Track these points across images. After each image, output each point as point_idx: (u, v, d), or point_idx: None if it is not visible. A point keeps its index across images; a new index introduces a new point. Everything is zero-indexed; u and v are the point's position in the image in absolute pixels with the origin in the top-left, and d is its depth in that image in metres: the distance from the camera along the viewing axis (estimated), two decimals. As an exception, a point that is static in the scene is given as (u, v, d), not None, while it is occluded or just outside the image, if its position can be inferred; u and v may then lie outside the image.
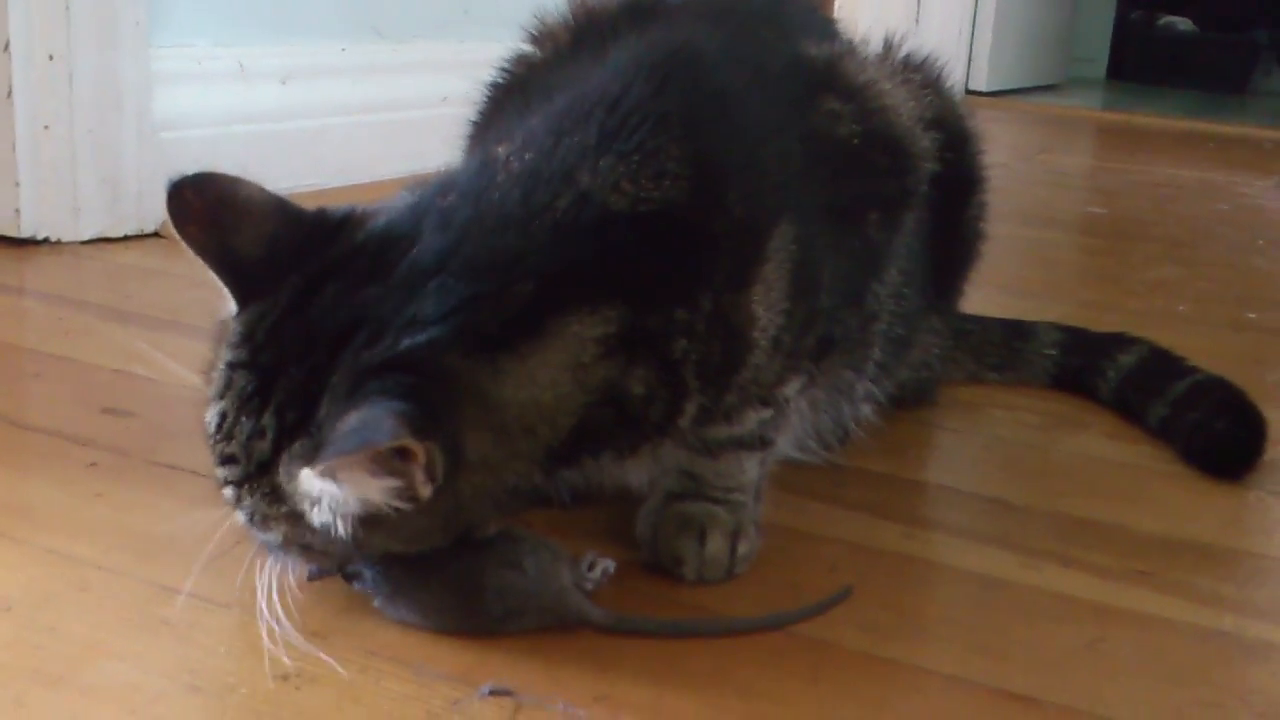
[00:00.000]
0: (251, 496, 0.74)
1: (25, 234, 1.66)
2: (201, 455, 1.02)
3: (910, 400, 1.22)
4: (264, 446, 0.73)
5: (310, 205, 0.80)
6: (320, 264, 0.75)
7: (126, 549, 0.88)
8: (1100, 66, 5.79)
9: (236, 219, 0.77)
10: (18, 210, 1.65)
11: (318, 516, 0.72)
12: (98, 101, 1.68)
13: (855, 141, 0.93)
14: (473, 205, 0.77)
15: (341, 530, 0.72)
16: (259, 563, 0.79)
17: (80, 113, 1.67)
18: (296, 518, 0.74)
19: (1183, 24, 5.71)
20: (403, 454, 0.68)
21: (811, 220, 0.86)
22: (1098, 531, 1.02)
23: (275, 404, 0.73)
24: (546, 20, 1.03)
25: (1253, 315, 1.74)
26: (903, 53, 1.13)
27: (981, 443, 1.21)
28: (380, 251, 0.76)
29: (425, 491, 0.70)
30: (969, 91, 4.30)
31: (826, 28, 1.11)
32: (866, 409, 1.08)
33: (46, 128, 1.65)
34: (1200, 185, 2.97)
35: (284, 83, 2.00)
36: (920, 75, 1.07)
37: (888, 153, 0.97)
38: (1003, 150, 3.00)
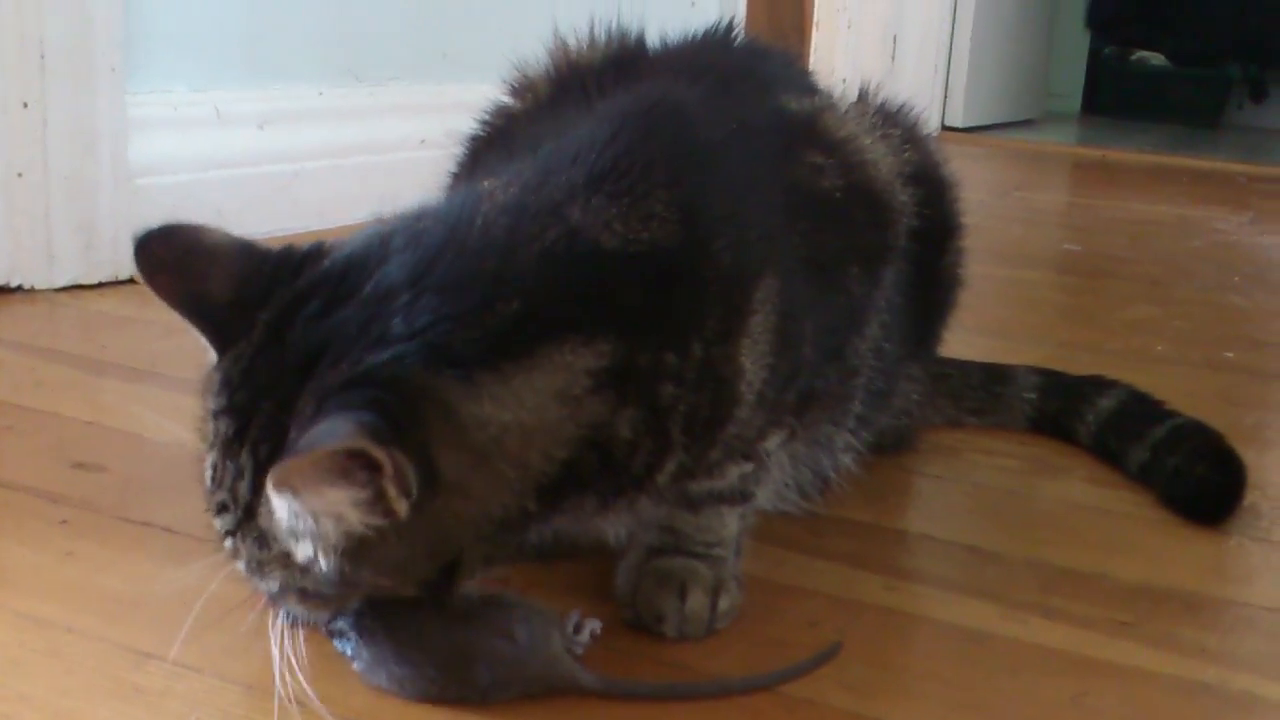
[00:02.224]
0: (245, 543, 0.74)
1: (-1, 282, 1.65)
2: (174, 511, 1.02)
3: (890, 447, 1.22)
4: (244, 487, 0.72)
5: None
6: (289, 297, 0.74)
7: (98, 611, 0.87)
8: (1074, 102, 5.85)
9: (205, 266, 0.76)
10: (-9, 258, 1.64)
11: (301, 552, 0.71)
12: (72, 148, 1.67)
13: (837, 195, 0.93)
14: (449, 229, 0.76)
15: (324, 565, 0.71)
16: (274, 635, 0.78)
17: (55, 159, 1.66)
18: (287, 559, 0.72)
19: (1156, 59, 5.77)
20: (368, 464, 0.66)
21: (795, 273, 0.85)
22: (1079, 580, 1.01)
23: (250, 442, 0.72)
24: (528, 72, 1.03)
25: (1230, 354, 1.75)
26: (878, 101, 1.13)
27: (962, 489, 1.21)
28: (346, 275, 0.74)
29: (401, 507, 0.68)
30: (945, 128, 4.33)
31: (805, 81, 1.12)
32: (847, 459, 1.08)
33: (20, 175, 1.64)
34: (1175, 221, 2.99)
35: (261, 127, 1.99)
36: (897, 128, 1.07)
37: (868, 207, 0.97)
38: (978, 187, 3.02)
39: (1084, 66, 5.87)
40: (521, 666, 0.77)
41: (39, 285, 1.68)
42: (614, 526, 0.92)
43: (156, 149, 1.79)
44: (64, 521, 1.01)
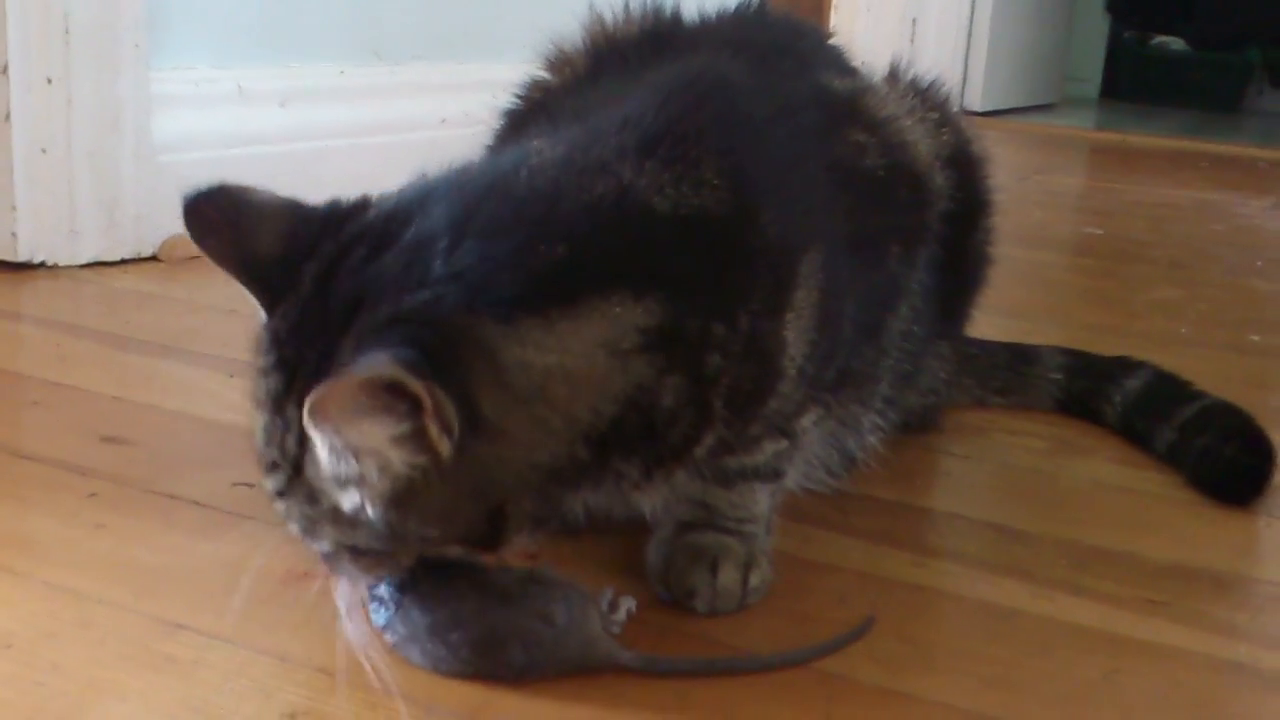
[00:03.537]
0: (296, 501, 0.73)
1: (22, 258, 1.65)
2: (203, 485, 1.03)
3: (916, 426, 1.22)
4: (292, 441, 0.72)
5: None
6: (333, 249, 0.74)
7: (129, 583, 0.87)
8: (1094, 86, 5.81)
9: (252, 225, 0.76)
10: (14, 234, 1.64)
11: (348, 501, 0.71)
12: (96, 124, 1.67)
13: (880, 174, 0.93)
14: (493, 179, 0.76)
15: (372, 513, 0.70)
16: (341, 607, 0.79)
17: (78, 136, 1.66)
18: (336, 514, 0.72)
19: (1176, 44, 5.74)
20: (407, 398, 0.65)
21: (837, 249, 0.85)
22: (1108, 559, 1.01)
23: (296, 394, 0.71)
24: (564, 48, 1.03)
25: (1255, 338, 1.74)
26: (909, 77, 1.13)
27: (988, 469, 1.21)
28: (389, 224, 0.74)
29: (443, 447, 0.68)
30: (964, 111, 4.31)
31: (842, 61, 1.11)
32: (873, 439, 1.07)
33: (44, 151, 1.64)
34: (1196, 205, 2.97)
35: (283, 105, 1.99)
36: (935, 110, 1.06)
37: (910, 188, 0.96)
38: (998, 171, 2.99)
39: (1104, 51, 5.82)
40: (558, 648, 0.77)
41: (62, 262, 1.68)
42: (648, 502, 0.91)
43: (179, 126, 1.79)
44: (93, 494, 1.01)
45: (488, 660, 0.77)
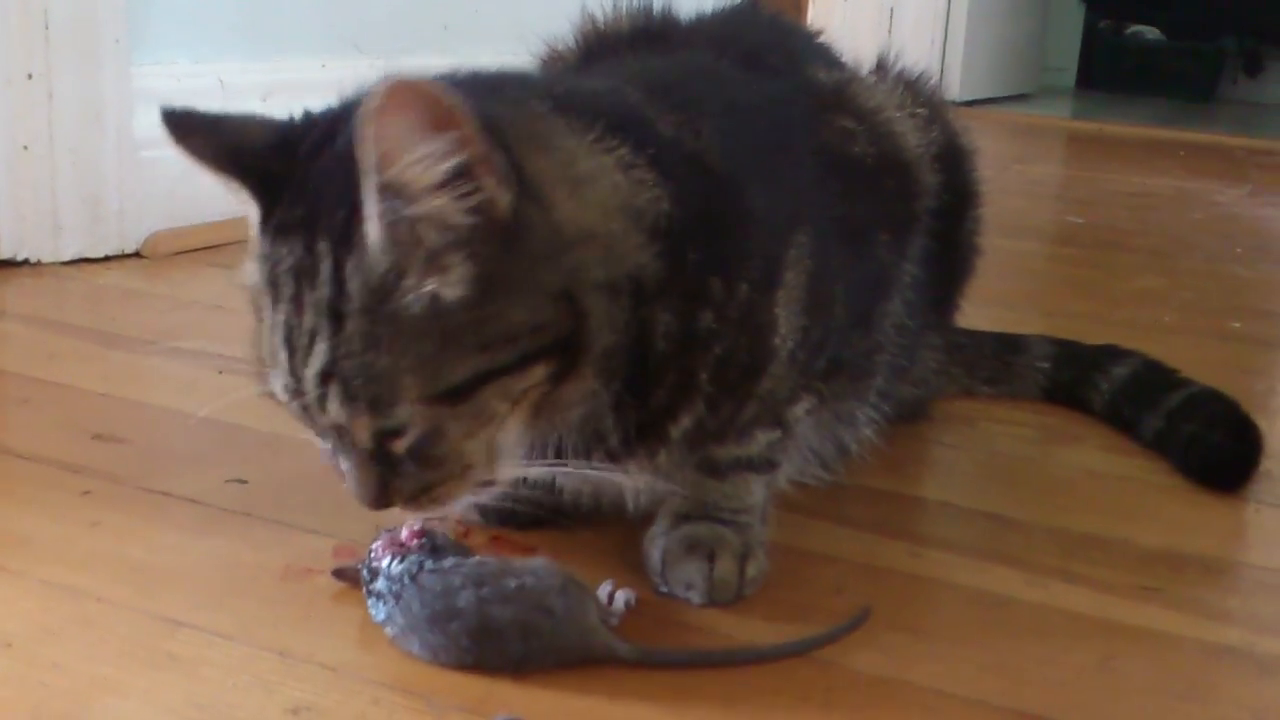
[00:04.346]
0: (353, 358, 0.68)
1: (5, 255, 1.64)
2: (196, 481, 1.02)
3: (906, 416, 1.22)
4: (326, 284, 0.69)
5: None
6: (329, 119, 0.74)
7: (127, 580, 0.87)
8: (1070, 76, 5.83)
9: (235, 126, 0.75)
10: (-3, 231, 1.63)
11: (415, 299, 0.68)
12: (78, 120, 1.66)
13: (868, 162, 0.94)
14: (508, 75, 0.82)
15: (449, 296, 0.68)
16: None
17: (60, 132, 1.65)
18: (405, 341, 0.68)
19: (1151, 33, 5.76)
20: (454, 123, 0.65)
21: (826, 234, 0.86)
22: (1100, 546, 1.02)
23: (320, 252, 0.69)
24: (556, 46, 1.03)
25: (1237, 325, 1.75)
26: (897, 69, 1.13)
27: (979, 457, 1.21)
28: None
29: (502, 200, 0.68)
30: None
31: (830, 56, 1.11)
32: (868, 431, 1.08)
33: (26, 147, 1.63)
34: (1174, 194, 2.99)
35: (265, 99, 1.98)
36: (924, 106, 1.07)
37: (897, 176, 0.97)
38: (979, 161, 3.01)
39: (1079, 40, 5.84)
40: (556, 638, 0.77)
41: (45, 259, 1.67)
42: (633, 493, 0.91)
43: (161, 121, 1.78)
44: (87, 492, 1.00)
45: (486, 650, 0.77)
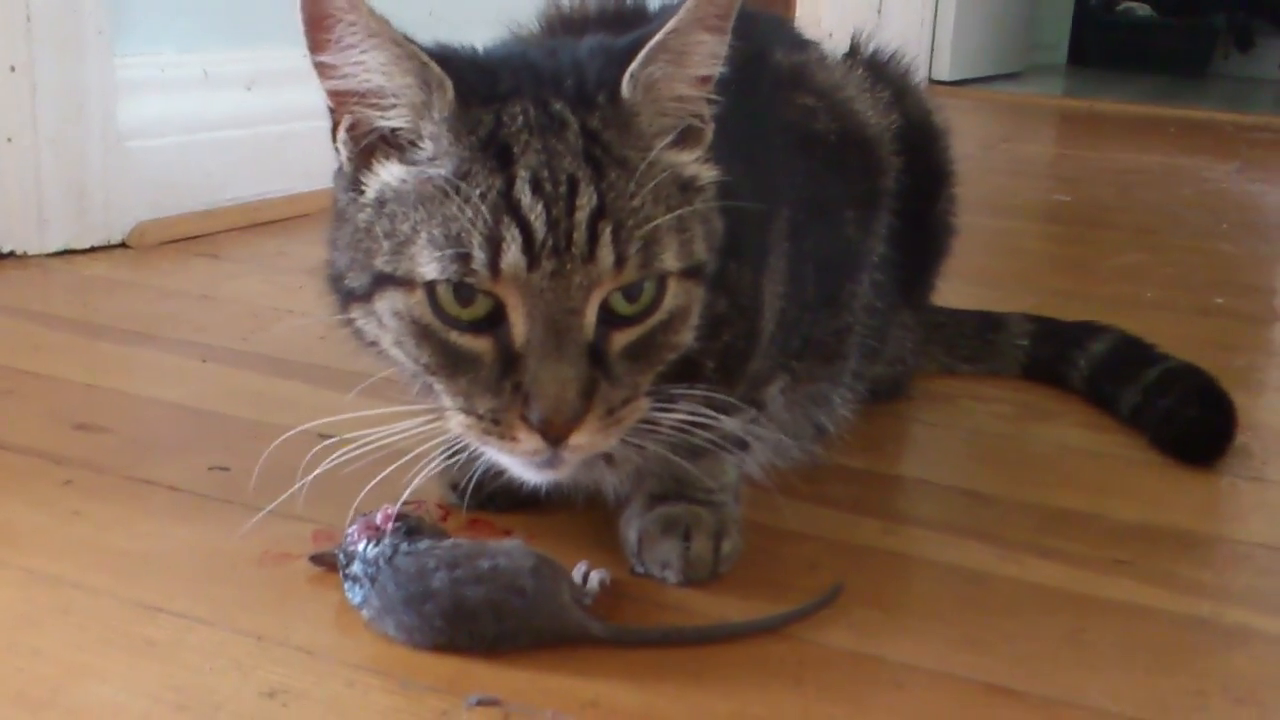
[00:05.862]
0: (602, 228, 0.71)
1: (-10, 247, 1.65)
2: (177, 470, 1.03)
3: (884, 394, 1.23)
4: (574, 134, 0.73)
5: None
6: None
7: (107, 568, 0.88)
8: (1061, 53, 5.83)
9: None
10: (-18, 224, 1.64)
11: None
12: (61, 112, 1.66)
13: (832, 139, 0.94)
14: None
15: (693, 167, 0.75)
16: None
17: (44, 123, 1.65)
18: (649, 244, 0.72)
19: (1141, 9, 5.75)
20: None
21: (799, 213, 0.86)
22: (1074, 521, 1.03)
23: (565, 101, 0.75)
24: (520, 33, 1.03)
25: (1220, 300, 1.76)
26: (869, 50, 1.13)
27: (956, 435, 1.22)
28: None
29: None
30: (932, 81, 4.32)
31: (798, 40, 1.12)
32: (844, 412, 1.09)
33: (9, 140, 1.63)
34: (1163, 170, 3.00)
35: (249, 89, 1.98)
36: (887, 88, 1.07)
37: (860, 153, 0.98)
38: (966, 140, 3.01)
39: (1070, 18, 5.84)
40: (529, 618, 0.78)
41: (31, 250, 1.67)
42: (612, 477, 0.92)
43: (145, 111, 1.78)
44: (68, 482, 1.01)
45: (460, 630, 0.78)
